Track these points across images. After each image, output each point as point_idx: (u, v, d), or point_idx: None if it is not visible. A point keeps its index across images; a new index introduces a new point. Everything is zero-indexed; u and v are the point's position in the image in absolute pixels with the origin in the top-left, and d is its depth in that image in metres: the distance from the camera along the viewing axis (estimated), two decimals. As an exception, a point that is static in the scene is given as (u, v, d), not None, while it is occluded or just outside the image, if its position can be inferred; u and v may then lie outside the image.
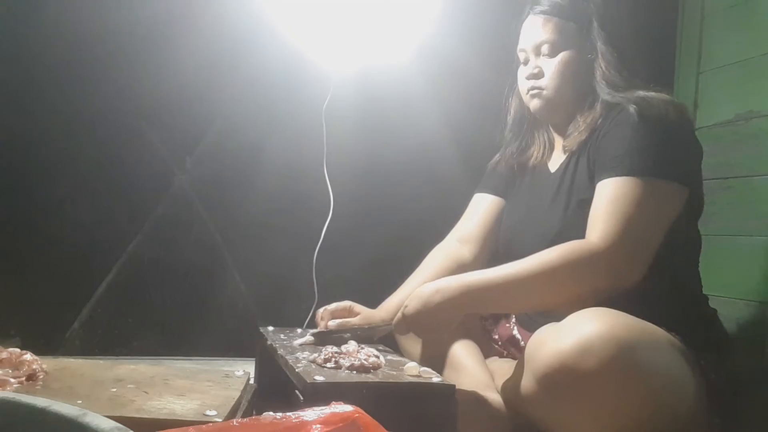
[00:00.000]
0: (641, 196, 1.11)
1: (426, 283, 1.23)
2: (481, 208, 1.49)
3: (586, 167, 1.24)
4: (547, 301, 1.16)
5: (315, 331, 1.32)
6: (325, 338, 1.26)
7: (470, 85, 1.62)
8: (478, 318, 1.55)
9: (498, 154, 1.47)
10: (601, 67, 1.23)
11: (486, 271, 1.18)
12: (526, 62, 1.32)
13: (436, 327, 1.20)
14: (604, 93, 1.23)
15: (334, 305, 1.37)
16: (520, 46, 1.32)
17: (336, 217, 1.81)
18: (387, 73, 1.86)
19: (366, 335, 1.29)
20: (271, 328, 1.41)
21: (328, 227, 1.81)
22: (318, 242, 1.81)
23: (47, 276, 1.79)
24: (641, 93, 1.19)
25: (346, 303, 1.38)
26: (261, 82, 1.86)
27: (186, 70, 1.75)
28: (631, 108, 1.17)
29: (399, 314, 1.21)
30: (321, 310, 1.37)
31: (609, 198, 1.13)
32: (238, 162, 1.90)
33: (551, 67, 1.27)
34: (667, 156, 1.14)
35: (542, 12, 1.28)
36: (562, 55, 1.26)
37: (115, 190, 1.83)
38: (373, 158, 1.90)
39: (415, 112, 1.88)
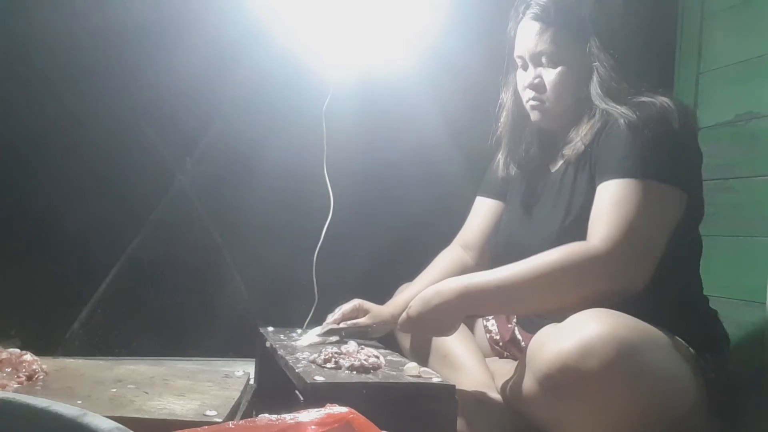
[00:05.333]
0: (643, 199, 1.09)
1: (431, 284, 1.27)
2: (482, 214, 1.50)
3: (587, 172, 1.22)
4: (547, 305, 1.15)
5: (325, 328, 1.33)
6: (334, 335, 1.30)
7: (470, 85, 1.62)
8: (480, 318, 1.56)
9: (498, 156, 1.44)
10: (600, 77, 1.19)
11: (485, 273, 1.18)
12: (525, 68, 1.29)
13: (437, 328, 1.22)
14: (603, 103, 1.19)
15: (347, 306, 1.38)
16: (517, 52, 1.28)
17: (336, 217, 1.81)
18: (387, 74, 1.86)
19: (373, 332, 1.33)
20: (270, 329, 1.42)
21: (328, 228, 1.81)
22: (318, 243, 1.81)
23: (47, 276, 1.78)
24: (642, 98, 1.17)
25: (355, 302, 1.39)
26: (261, 82, 1.86)
27: (186, 71, 1.74)
28: (632, 113, 1.14)
29: (404, 314, 1.24)
30: (337, 312, 1.38)
31: (610, 200, 1.11)
32: (238, 162, 1.90)
33: (551, 79, 1.24)
34: (669, 161, 1.13)
35: (537, 17, 1.23)
36: (561, 69, 1.22)
37: (115, 190, 1.82)
38: (373, 158, 1.90)
39: (415, 112, 1.88)
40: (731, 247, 1.64)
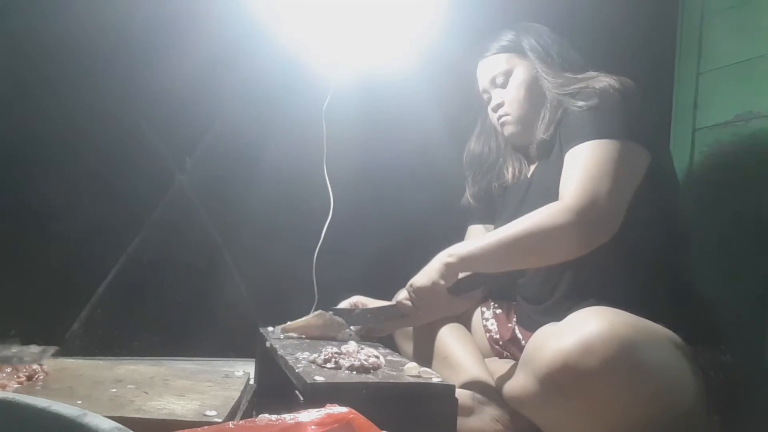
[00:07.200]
0: (606, 156, 1.19)
1: None
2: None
3: (555, 153, 1.32)
4: (532, 261, 1.27)
5: (334, 308, 1.39)
6: (346, 317, 1.37)
7: (470, 85, 1.62)
8: (479, 318, 1.56)
9: (468, 191, 1.57)
10: (544, 74, 1.37)
11: (478, 239, 1.30)
12: (489, 100, 1.46)
13: (435, 291, 1.29)
14: (555, 90, 1.33)
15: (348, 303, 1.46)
16: (481, 89, 1.48)
17: (336, 217, 1.81)
18: (387, 74, 1.86)
19: (376, 318, 1.38)
20: (270, 329, 1.42)
21: (328, 228, 1.81)
22: (318, 243, 1.81)
23: (47, 276, 1.78)
24: (589, 79, 1.30)
25: (353, 298, 1.46)
26: (261, 82, 1.86)
27: (186, 71, 1.74)
28: (583, 95, 1.27)
29: (407, 286, 1.32)
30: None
31: (576, 162, 1.22)
32: (238, 162, 1.90)
33: (509, 93, 1.41)
34: (623, 120, 1.22)
35: (490, 55, 1.44)
36: (512, 79, 1.41)
37: (115, 190, 1.82)
38: (373, 159, 1.90)
39: (415, 112, 1.88)
40: (731, 247, 1.64)
